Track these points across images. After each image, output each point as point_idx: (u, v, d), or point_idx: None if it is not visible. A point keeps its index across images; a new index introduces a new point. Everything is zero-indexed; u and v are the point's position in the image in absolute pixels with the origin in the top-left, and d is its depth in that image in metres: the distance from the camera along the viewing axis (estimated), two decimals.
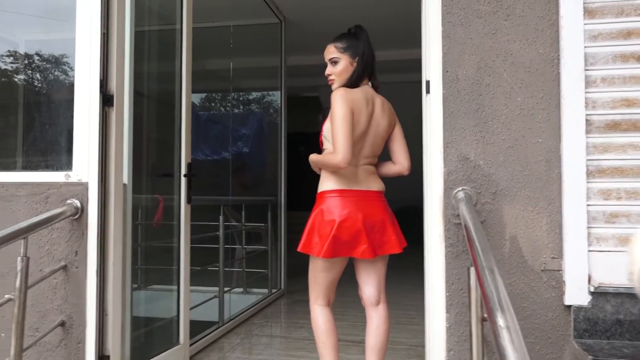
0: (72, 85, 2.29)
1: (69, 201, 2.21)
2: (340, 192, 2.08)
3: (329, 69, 2.19)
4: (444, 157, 2.07)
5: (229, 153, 5.47)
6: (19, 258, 1.93)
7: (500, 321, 1.17)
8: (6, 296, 1.91)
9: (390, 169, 2.25)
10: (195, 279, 3.49)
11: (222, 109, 6.69)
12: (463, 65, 2.06)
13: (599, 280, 1.93)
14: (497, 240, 2.02)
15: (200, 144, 5.78)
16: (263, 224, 4.78)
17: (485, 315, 1.67)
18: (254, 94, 6.39)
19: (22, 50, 2.67)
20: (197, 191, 2.96)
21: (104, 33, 2.25)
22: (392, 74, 5.87)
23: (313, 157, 2.18)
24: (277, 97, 5.18)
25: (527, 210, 2.01)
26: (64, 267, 2.21)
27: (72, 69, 2.32)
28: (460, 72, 2.06)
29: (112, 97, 2.26)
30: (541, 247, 2.00)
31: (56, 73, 2.59)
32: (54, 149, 2.39)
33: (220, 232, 3.83)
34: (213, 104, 6.79)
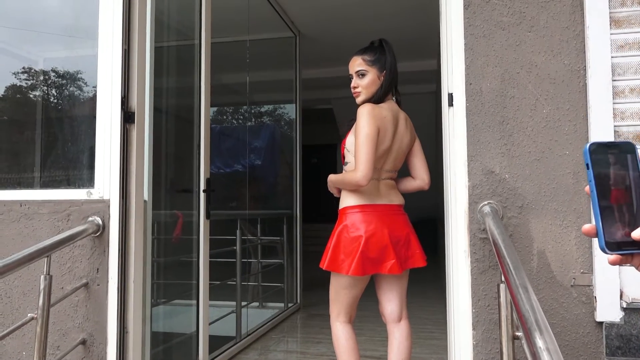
0: (93, 102, 2.30)
1: (90, 218, 2.20)
2: (363, 208, 2.05)
3: (356, 82, 2.15)
4: (468, 170, 2.03)
5: (243, 166, 5.47)
6: (42, 276, 1.93)
7: (540, 342, 1.13)
8: (29, 315, 1.91)
9: (410, 184, 2.23)
10: (212, 293, 3.46)
11: (238, 122, 6.71)
12: (487, 78, 2.03)
13: (632, 295, 1.87)
14: (525, 255, 1.98)
15: (214, 157, 5.79)
16: (279, 238, 4.76)
17: (518, 333, 1.63)
18: (270, 107, 6.41)
19: (43, 68, 2.69)
20: (212, 205, 2.95)
21: (125, 50, 2.26)
22: (403, 85, 5.87)
23: (332, 177, 2.16)
24: (292, 110, 5.18)
25: (555, 224, 1.96)
26: (86, 285, 2.20)
27: (93, 87, 2.33)
28: (484, 84, 2.03)
29: (133, 114, 2.27)
30: (570, 261, 1.95)
31: (78, 91, 2.61)
32: (75, 167, 2.40)
33: (238, 247, 3.82)
34: (228, 117, 6.82)
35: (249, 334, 3.73)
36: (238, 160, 5.63)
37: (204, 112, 2.89)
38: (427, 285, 5.17)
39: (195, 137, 2.90)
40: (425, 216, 7.38)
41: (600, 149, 0.63)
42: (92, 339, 2.20)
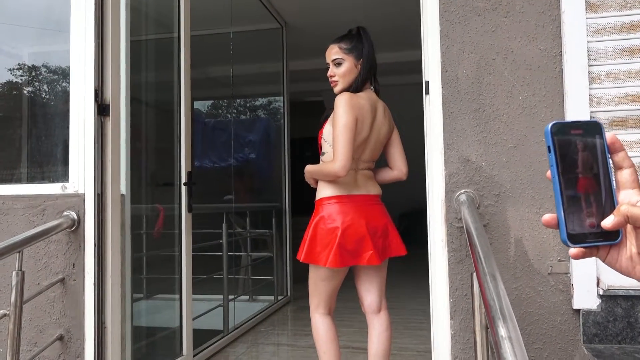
0: (68, 96, 2.27)
1: (65, 213, 2.18)
2: (340, 199, 2.03)
3: (332, 70, 2.13)
4: (444, 159, 2.01)
5: (235, 160, 5.44)
6: (14, 272, 1.91)
7: (502, 331, 1.11)
8: (1, 311, 1.89)
9: (388, 174, 2.21)
10: (201, 287, 3.45)
11: (227, 116, 6.67)
12: (462, 65, 2.00)
13: (608, 282, 1.86)
14: (502, 243, 1.96)
15: (207, 151, 5.77)
16: (268, 231, 4.75)
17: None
18: (258, 100, 6.37)
19: (18, 63, 2.66)
20: (204, 199, 2.93)
21: (98, 43, 2.23)
22: (393, 75, 5.83)
23: (309, 168, 2.13)
24: (280, 103, 5.15)
25: (532, 211, 1.94)
26: (62, 280, 2.18)
27: (68, 80, 2.30)
28: (460, 71, 2.00)
29: (107, 106, 2.24)
30: (547, 249, 1.93)
31: (52, 84, 2.57)
32: (50, 161, 2.37)
33: (224, 240, 3.80)
34: (220, 111, 6.78)
35: (237, 327, 3.72)
36: (231, 154, 5.60)
37: (185, 104, 2.86)
38: (418, 276, 5.15)
39: (175, 129, 2.87)
40: (418, 207, 7.36)
41: (563, 129, 0.56)
42: (70, 335, 2.18)
